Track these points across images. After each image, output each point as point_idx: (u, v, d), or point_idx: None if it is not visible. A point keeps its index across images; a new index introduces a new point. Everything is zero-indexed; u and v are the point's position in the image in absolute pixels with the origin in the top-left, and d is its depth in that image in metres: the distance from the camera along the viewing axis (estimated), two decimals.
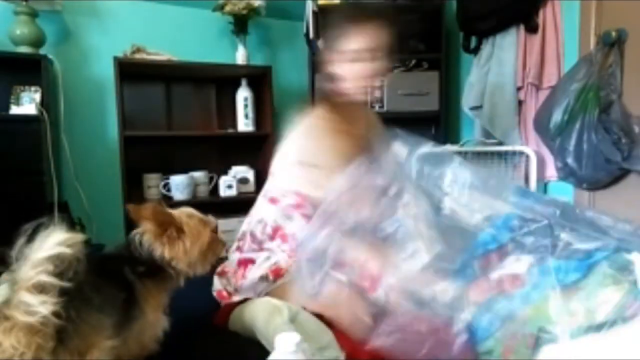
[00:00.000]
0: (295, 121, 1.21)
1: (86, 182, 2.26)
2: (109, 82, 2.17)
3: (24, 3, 1.95)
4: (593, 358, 0.63)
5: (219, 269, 1.19)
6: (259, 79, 2.39)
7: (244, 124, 2.38)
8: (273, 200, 1.20)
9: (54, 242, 0.62)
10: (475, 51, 2.09)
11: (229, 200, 2.27)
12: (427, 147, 1.04)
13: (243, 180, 2.37)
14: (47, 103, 1.96)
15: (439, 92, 2.24)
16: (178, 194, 2.19)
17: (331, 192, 0.98)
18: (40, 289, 0.59)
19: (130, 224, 0.86)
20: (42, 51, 2.01)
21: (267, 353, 0.69)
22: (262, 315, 0.95)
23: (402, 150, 1.05)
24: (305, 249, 0.94)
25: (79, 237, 0.65)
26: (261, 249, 1.18)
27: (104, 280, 0.73)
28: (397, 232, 0.90)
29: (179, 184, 2.19)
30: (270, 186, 1.25)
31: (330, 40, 1.20)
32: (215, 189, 2.35)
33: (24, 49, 1.96)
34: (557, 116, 1.52)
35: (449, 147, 1.95)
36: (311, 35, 2.18)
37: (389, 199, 0.95)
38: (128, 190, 2.08)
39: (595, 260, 0.73)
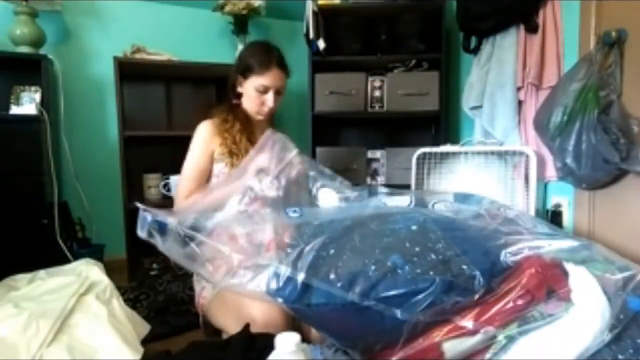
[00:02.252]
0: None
1: (86, 182, 2.27)
2: (109, 82, 2.18)
3: (24, 3, 1.96)
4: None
5: None
6: None
7: None
8: None
9: None
10: (475, 51, 2.09)
11: None
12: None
13: None
14: (47, 103, 1.97)
15: (439, 92, 2.24)
16: None
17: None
18: None
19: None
20: (42, 51, 2.02)
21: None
22: None
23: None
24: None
25: None
26: None
27: None
28: None
29: None
30: None
31: (245, 61, 1.41)
32: None
33: (24, 49, 1.97)
34: (556, 116, 1.52)
35: (449, 147, 1.95)
36: (311, 35, 2.18)
37: None
38: (128, 190, 2.08)
39: None
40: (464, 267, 0.70)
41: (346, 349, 0.86)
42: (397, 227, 0.79)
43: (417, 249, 0.72)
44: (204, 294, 1.19)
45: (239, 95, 1.46)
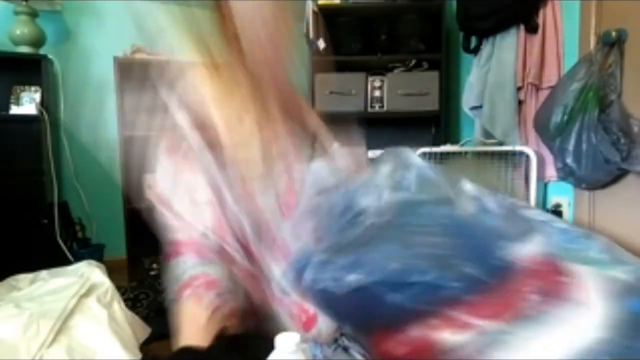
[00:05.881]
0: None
1: (86, 182, 2.26)
2: (109, 82, 2.17)
3: (24, 3, 1.95)
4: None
5: None
6: None
7: None
8: None
9: None
10: (475, 51, 2.09)
11: None
12: None
13: None
14: (47, 103, 1.96)
15: (439, 92, 2.24)
16: None
17: None
18: None
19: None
20: (42, 51, 2.02)
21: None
22: None
23: None
24: None
25: None
26: None
27: None
28: None
29: None
30: None
31: None
32: None
33: (24, 49, 1.96)
34: (557, 116, 1.52)
35: (449, 147, 1.95)
36: (311, 35, 2.18)
37: None
38: (128, 191, 2.08)
39: None
40: (459, 262, 0.73)
41: (347, 346, 0.86)
42: (405, 220, 0.82)
43: (418, 242, 0.76)
44: None
45: None
